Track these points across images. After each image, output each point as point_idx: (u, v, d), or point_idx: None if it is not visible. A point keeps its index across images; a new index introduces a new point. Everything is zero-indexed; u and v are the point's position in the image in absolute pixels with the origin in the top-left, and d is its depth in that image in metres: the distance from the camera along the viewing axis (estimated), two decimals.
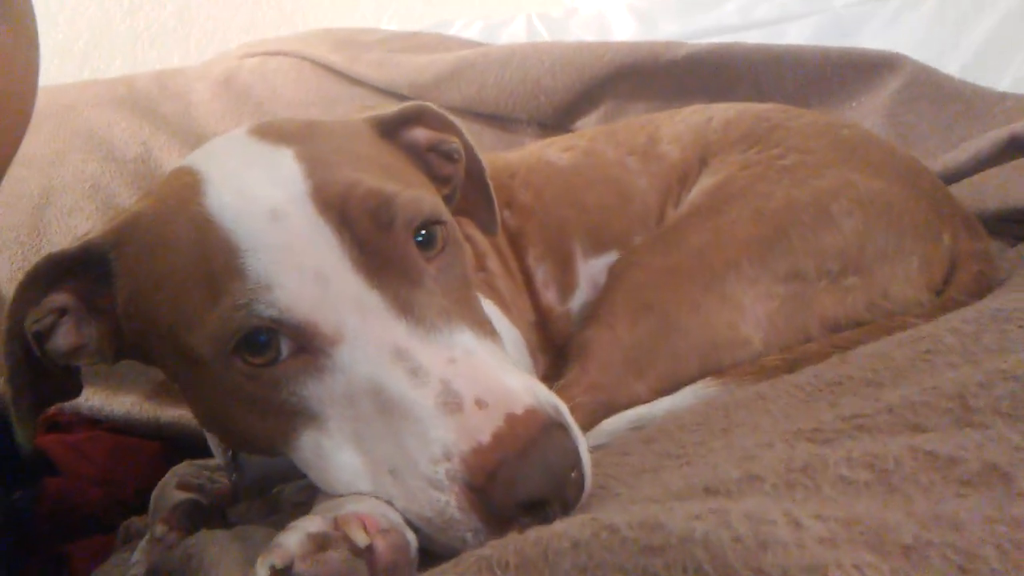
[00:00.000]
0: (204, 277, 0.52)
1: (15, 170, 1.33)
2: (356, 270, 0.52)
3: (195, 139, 1.36)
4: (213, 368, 0.53)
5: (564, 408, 0.52)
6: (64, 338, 0.60)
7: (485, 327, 0.57)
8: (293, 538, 0.45)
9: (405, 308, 0.52)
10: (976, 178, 1.13)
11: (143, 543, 0.68)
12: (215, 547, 0.49)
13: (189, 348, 0.53)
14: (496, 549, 0.40)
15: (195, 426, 1.09)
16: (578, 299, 0.95)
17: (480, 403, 0.47)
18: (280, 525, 0.64)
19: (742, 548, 0.30)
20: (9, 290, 1.23)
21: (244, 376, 0.52)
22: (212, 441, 0.84)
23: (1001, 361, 0.46)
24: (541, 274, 0.95)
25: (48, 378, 0.62)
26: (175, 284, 0.53)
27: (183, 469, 0.88)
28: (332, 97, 1.41)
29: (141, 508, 0.97)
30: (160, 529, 0.68)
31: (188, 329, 0.53)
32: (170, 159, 1.34)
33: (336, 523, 0.47)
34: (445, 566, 0.42)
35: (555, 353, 0.95)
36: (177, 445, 1.10)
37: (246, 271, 0.50)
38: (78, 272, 0.59)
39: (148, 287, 0.56)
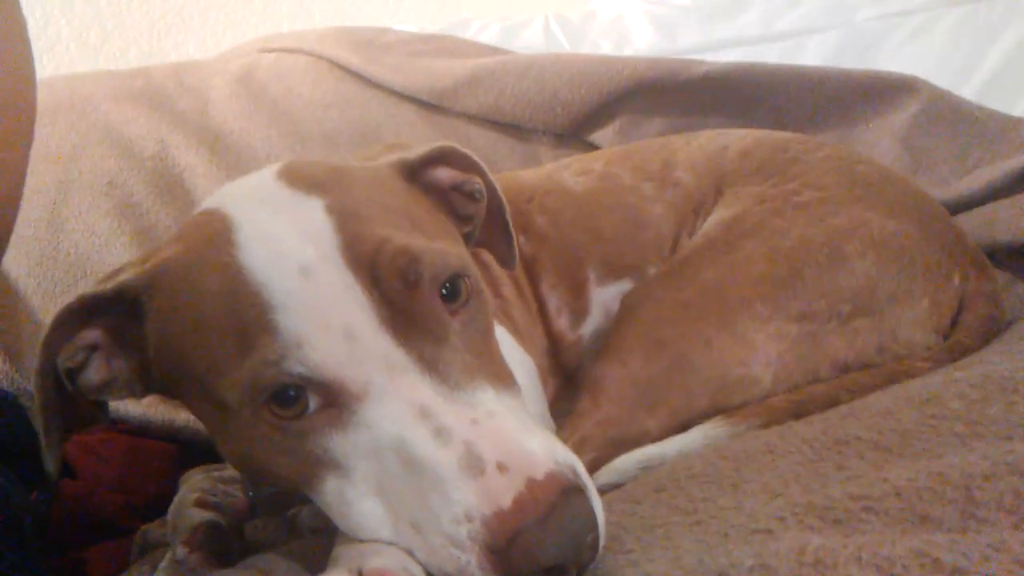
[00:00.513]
0: (235, 329, 0.53)
1: (33, 163, 1.34)
2: (384, 328, 0.53)
3: (212, 138, 1.37)
4: (240, 415, 0.54)
5: (581, 468, 0.53)
6: (95, 373, 0.62)
7: (505, 380, 0.58)
8: None
9: (431, 366, 0.53)
10: (988, 208, 1.14)
11: (164, 564, 0.70)
12: None
13: (217, 394, 0.55)
14: None
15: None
16: (590, 326, 0.97)
17: (501, 467, 0.49)
18: (299, 553, 0.67)
19: None
20: (27, 286, 1.25)
21: (271, 426, 0.53)
22: None
23: (1006, 447, 0.47)
24: (554, 301, 0.96)
25: (77, 407, 0.64)
26: (206, 332, 0.55)
27: (199, 483, 0.90)
28: (349, 99, 1.41)
29: (156, 513, 1.00)
30: (181, 551, 0.70)
31: (217, 376, 0.54)
32: (186, 158, 1.34)
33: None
34: None
35: (565, 378, 0.97)
36: (191, 447, 1.12)
37: (277, 328, 0.52)
38: (110, 310, 0.61)
39: (179, 332, 0.57)
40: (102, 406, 0.67)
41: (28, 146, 0.69)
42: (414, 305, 0.54)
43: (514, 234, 0.78)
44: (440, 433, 0.50)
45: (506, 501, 0.48)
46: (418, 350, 0.53)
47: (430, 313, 0.55)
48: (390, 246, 0.54)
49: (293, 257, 0.54)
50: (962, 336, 0.82)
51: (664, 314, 0.82)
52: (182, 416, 1.13)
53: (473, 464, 0.49)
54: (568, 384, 0.97)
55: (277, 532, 0.81)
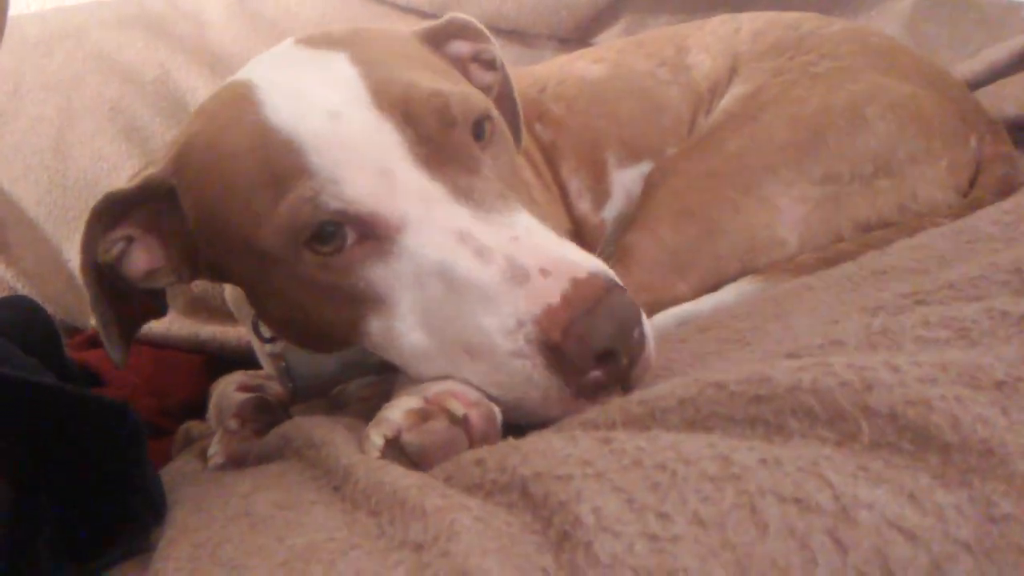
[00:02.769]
0: (269, 178, 0.54)
1: (32, 94, 1.33)
2: (417, 164, 0.54)
3: (213, 59, 1.36)
4: (284, 261, 0.55)
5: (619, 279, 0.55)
6: (137, 262, 0.64)
7: (538, 209, 0.59)
8: (396, 412, 0.49)
9: (466, 194, 0.54)
10: (993, 87, 1.15)
11: (218, 437, 0.72)
12: (321, 428, 0.52)
13: (259, 245, 0.55)
14: (599, 413, 0.43)
15: (235, 341, 1.13)
16: (612, 208, 0.98)
17: (544, 272, 0.50)
18: (352, 416, 0.68)
19: (849, 391, 0.33)
20: (38, 213, 1.25)
21: (314, 266, 0.54)
22: (261, 352, 0.87)
23: None
24: (575, 185, 0.97)
25: (133, 301, 0.66)
26: (241, 189, 0.56)
27: (237, 376, 0.92)
28: (350, 16, 1.40)
29: (188, 417, 1.01)
30: (233, 423, 0.71)
31: (257, 226, 0.55)
32: (189, 80, 1.33)
33: (430, 399, 0.50)
34: (546, 430, 0.46)
35: None
36: (216, 360, 1.14)
37: (311, 168, 0.53)
38: (140, 205, 0.62)
39: (215, 198, 0.58)
40: (158, 298, 0.68)
41: None
42: (448, 142, 0.55)
43: (521, 113, 0.80)
44: (481, 252, 0.51)
45: (554, 299, 0.48)
46: (452, 181, 0.54)
47: (462, 148, 0.56)
48: (420, 89, 0.56)
49: (320, 104, 0.55)
50: (980, 192, 0.83)
51: (691, 184, 0.83)
52: (207, 329, 1.14)
53: (517, 274, 0.50)
54: None
55: (323, 413, 0.82)
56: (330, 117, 0.54)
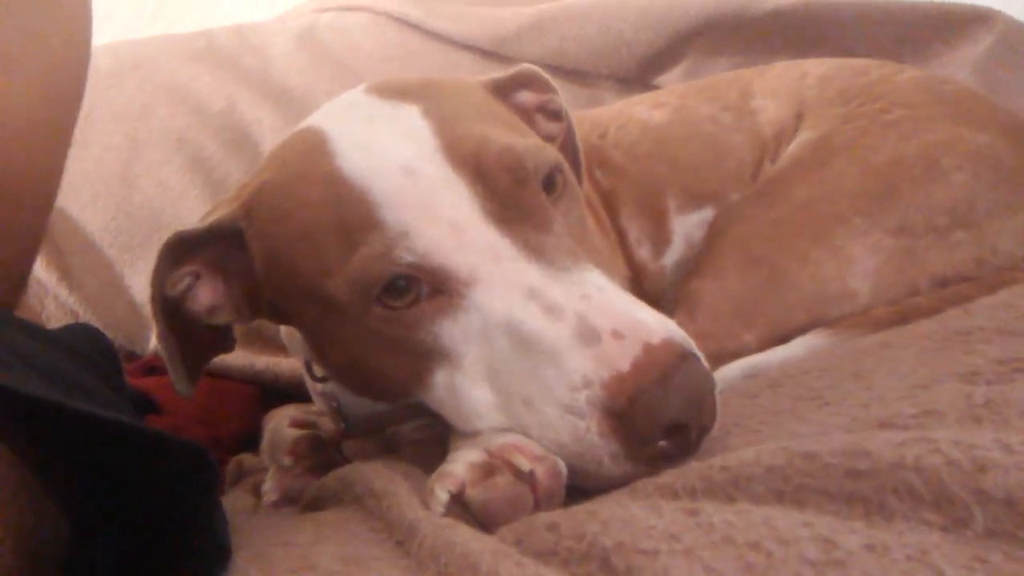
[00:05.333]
0: (341, 230, 0.54)
1: (102, 123, 1.37)
2: (488, 220, 0.54)
3: (278, 93, 1.38)
4: (352, 313, 0.55)
5: (693, 342, 0.53)
6: (201, 299, 0.64)
7: (608, 267, 0.58)
8: (459, 467, 0.47)
9: (536, 251, 0.53)
10: None
11: (271, 473, 0.71)
12: (382, 478, 0.51)
13: (328, 296, 0.55)
14: (677, 477, 0.41)
15: (288, 372, 1.13)
16: (672, 255, 0.96)
17: (616, 334, 0.48)
18: (407, 460, 0.67)
19: (958, 471, 0.31)
20: (103, 239, 1.27)
21: (383, 319, 0.54)
22: (313, 391, 0.87)
23: None
24: (635, 231, 0.96)
25: (201, 335, 0.66)
26: (312, 239, 0.56)
27: (290, 411, 0.91)
28: (412, 50, 1.42)
29: (240, 449, 1.01)
30: (287, 460, 0.71)
31: (327, 277, 0.55)
32: (254, 112, 1.36)
33: (494, 452, 0.49)
34: (620, 492, 0.44)
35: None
36: (269, 391, 1.14)
37: (383, 223, 0.53)
38: (207, 245, 0.63)
39: (284, 245, 0.58)
40: (226, 333, 0.68)
41: (78, 107, 0.69)
42: (519, 199, 0.55)
43: (583, 161, 0.80)
44: (551, 310, 0.50)
45: (624, 364, 0.47)
46: (523, 239, 0.54)
47: (533, 204, 0.56)
48: (493, 144, 0.55)
49: (393, 158, 0.55)
50: None
51: (757, 231, 0.81)
52: (262, 360, 1.15)
53: (587, 333, 0.49)
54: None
55: (375, 452, 0.82)
56: (403, 172, 0.54)
